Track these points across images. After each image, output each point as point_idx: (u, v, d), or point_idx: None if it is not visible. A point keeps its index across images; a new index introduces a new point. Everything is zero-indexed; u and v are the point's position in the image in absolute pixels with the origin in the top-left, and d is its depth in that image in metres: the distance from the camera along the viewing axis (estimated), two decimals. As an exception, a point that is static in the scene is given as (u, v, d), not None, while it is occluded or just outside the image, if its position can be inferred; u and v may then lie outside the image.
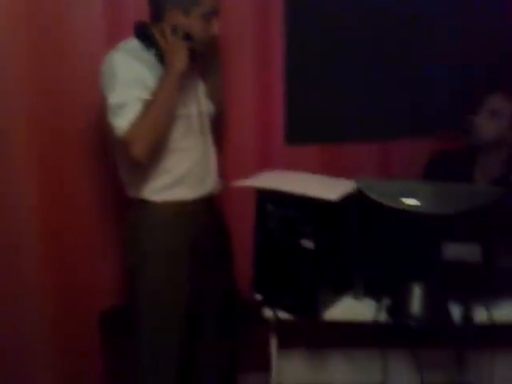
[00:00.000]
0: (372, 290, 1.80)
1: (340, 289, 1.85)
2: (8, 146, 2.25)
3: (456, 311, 1.69)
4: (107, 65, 1.90)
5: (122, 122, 1.83)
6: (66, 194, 2.35)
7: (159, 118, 1.86)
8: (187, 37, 1.88)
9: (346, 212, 1.76)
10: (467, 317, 1.65)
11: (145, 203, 2.01)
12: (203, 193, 2.07)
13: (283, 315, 1.79)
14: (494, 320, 1.68)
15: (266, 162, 2.39)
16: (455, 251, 1.65)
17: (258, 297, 1.81)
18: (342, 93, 2.45)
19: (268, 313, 1.80)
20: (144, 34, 1.93)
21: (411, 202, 1.66)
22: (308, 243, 1.70)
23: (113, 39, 2.05)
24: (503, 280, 1.72)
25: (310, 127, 2.47)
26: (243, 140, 2.42)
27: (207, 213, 2.10)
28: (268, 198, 1.77)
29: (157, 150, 1.92)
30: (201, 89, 2.14)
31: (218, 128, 2.24)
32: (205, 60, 2.12)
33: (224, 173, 2.19)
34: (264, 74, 2.41)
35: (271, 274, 1.79)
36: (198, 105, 2.08)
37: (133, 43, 1.96)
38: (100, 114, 1.99)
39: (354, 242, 1.77)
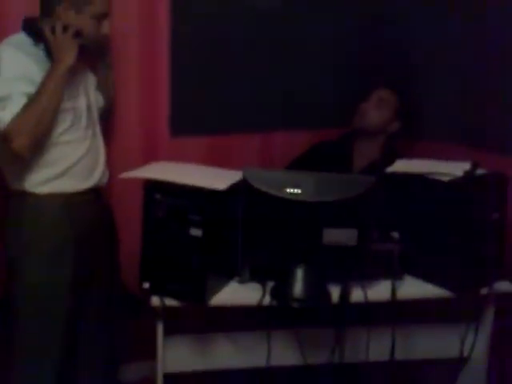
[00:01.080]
0: (257, 275, 1.86)
1: (227, 274, 1.90)
2: None
3: (334, 291, 1.79)
4: None
5: (5, 115, 1.80)
6: None
7: (43, 112, 1.84)
8: (77, 34, 1.88)
9: (232, 201, 1.81)
10: (344, 296, 1.75)
11: (28, 195, 1.97)
12: (90, 185, 2.06)
13: (170, 302, 1.80)
14: (369, 298, 1.80)
15: (151, 154, 2.38)
16: (334, 236, 1.75)
17: (146, 285, 1.81)
18: (225, 87, 2.53)
19: (155, 300, 1.80)
20: (32, 29, 1.91)
21: (294, 191, 1.74)
22: (196, 231, 1.73)
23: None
24: (376, 262, 1.85)
25: (194, 120, 2.51)
26: (128, 133, 2.40)
27: (93, 205, 2.09)
28: (156, 188, 1.78)
29: (40, 143, 1.89)
30: (90, 82, 2.14)
31: (107, 121, 2.24)
32: (96, 56, 2.13)
33: (110, 165, 2.17)
34: (149, 67, 2.41)
35: (159, 263, 1.80)
36: (86, 98, 2.07)
37: (20, 37, 1.93)
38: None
39: (241, 229, 1.82)
